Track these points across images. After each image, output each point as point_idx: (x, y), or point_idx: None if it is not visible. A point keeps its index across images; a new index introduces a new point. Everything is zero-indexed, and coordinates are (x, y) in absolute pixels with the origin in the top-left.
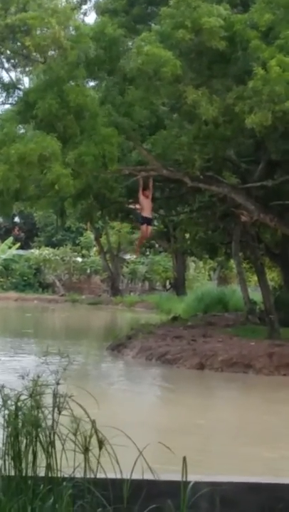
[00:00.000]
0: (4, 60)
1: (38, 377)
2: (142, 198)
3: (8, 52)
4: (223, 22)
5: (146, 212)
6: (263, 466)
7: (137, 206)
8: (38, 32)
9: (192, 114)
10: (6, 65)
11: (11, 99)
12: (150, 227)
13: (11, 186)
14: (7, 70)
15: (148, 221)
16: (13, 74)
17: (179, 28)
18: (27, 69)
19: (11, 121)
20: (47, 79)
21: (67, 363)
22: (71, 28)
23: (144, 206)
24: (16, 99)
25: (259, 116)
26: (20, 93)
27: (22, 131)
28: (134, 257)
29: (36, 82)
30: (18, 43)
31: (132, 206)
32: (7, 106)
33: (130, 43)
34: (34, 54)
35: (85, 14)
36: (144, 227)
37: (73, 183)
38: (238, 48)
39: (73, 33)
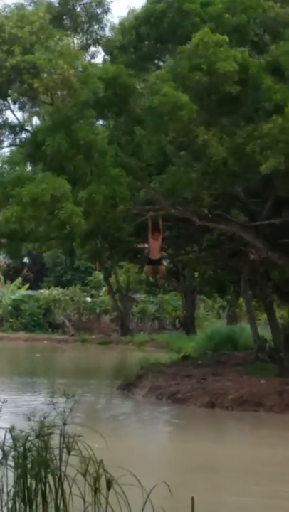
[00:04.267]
0: (11, 102)
1: (45, 418)
2: (151, 240)
3: (16, 94)
4: (237, 67)
5: (154, 255)
6: (273, 505)
7: (146, 245)
8: (46, 74)
9: (201, 153)
10: (12, 107)
11: (17, 140)
12: (163, 267)
13: (26, 227)
14: (13, 112)
15: (154, 262)
16: (19, 115)
17: (196, 70)
18: (34, 110)
19: (21, 163)
20: (55, 119)
21: (73, 403)
22: (79, 68)
23: (152, 248)
24: (23, 140)
25: (272, 161)
26: (28, 135)
27: (30, 171)
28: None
29: (44, 122)
30: (25, 85)
31: (140, 246)
32: (13, 148)
33: (138, 83)
34: (42, 96)
35: (92, 57)
36: (148, 267)
37: (87, 221)
38: (249, 89)
39: (81, 73)
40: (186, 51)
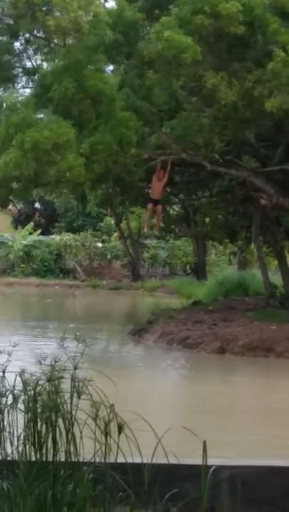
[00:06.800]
0: (24, 43)
1: (56, 362)
2: (154, 180)
3: (27, 35)
4: (241, 7)
5: (155, 195)
6: (285, 448)
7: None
8: (59, 13)
9: (211, 97)
10: (28, 51)
11: (31, 83)
12: (160, 206)
13: (25, 172)
14: (29, 57)
15: (154, 202)
16: (34, 60)
17: (198, 14)
18: (48, 56)
19: (28, 105)
20: (65, 63)
21: (84, 348)
22: (91, 14)
23: (154, 188)
24: (35, 83)
25: (279, 100)
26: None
27: (40, 115)
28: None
29: (54, 66)
30: (38, 24)
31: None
32: (27, 91)
33: (148, 28)
34: (54, 36)
35: (106, 0)
36: (150, 205)
37: (89, 170)
38: (257, 32)
39: (92, 18)
40: None
